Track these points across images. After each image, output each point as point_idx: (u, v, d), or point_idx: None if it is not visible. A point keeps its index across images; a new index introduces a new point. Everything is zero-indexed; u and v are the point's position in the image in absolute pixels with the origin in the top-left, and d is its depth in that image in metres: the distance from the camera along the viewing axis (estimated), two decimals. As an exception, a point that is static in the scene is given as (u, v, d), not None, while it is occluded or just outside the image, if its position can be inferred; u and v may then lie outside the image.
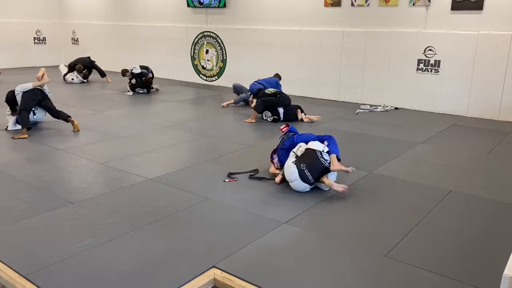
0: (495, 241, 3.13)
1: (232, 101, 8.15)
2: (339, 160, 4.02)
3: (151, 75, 9.45)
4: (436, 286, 2.59)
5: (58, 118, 6.21)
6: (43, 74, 6.04)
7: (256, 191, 4.01)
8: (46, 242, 3.05)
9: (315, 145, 4.09)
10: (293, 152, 4.09)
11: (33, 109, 6.09)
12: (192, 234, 3.18)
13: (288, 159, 4.08)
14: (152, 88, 9.50)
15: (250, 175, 4.35)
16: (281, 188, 4.04)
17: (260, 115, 6.92)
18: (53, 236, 3.15)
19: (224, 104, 8.03)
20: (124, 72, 9.43)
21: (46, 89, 6.19)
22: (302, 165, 3.90)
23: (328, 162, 3.92)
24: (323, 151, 3.99)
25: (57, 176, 4.38)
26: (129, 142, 5.62)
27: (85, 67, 10.80)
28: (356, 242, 3.10)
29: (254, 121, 6.82)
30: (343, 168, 3.95)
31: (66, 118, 6.14)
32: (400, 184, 4.25)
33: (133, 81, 9.19)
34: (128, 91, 9.26)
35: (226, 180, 4.24)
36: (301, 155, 4.01)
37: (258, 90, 7.30)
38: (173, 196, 3.88)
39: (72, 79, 10.63)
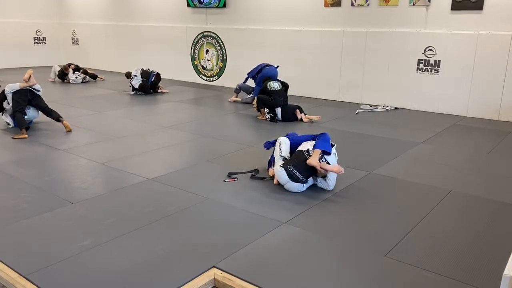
0: (495, 241, 3.13)
1: (237, 98, 8.49)
2: (328, 153, 3.98)
3: (148, 81, 9.23)
4: (436, 286, 2.59)
5: (49, 116, 6.21)
6: (30, 76, 6.04)
7: (256, 191, 4.01)
8: (46, 242, 3.06)
9: (304, 146, 4.13)
10: (280, 155, 4.13)
11: (25, 112, 6.10)
12: (192, 234, 3.18)
13: (275, 163, 4.13)
14: (158, 91, 9.41)
15: (252, 175, 4.36)
16: (281, 188, 4.03)
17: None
18: (53, 236, 3.15)
19: (231, 99, 8.53)
20: (128, 75, 9.36)
21: (36, 87, 6.16)
22: (289, 166, 3.93)
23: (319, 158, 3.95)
24: (308, 149, 4.03)
25: (57, 176, 4.38)
26: (129, 142, 5.62)
27: (75, 69, 10.85)
28: (356, 242, 3.10)
29: (264, 117, 6.89)
30: (319, 164, 3.88)
31: (57, 118, 6.12)
32: (400, 184, 4.25)
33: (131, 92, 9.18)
34: (131, 89, 9.24)
35: (226, 180, 4.24)
36: (290, 158, 4.08)
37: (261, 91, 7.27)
38: (173, 196, 3.88)
39: (76, 77, 10.64)
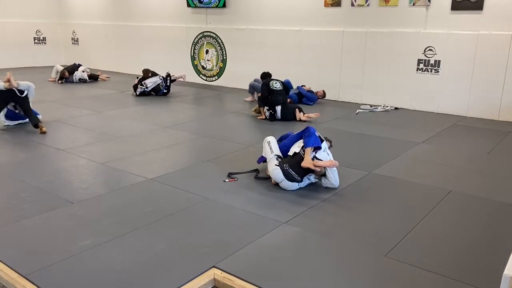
0: (495, 241, 3.13)
1: (251, 98, 8.40)
2: (319, 148, 3.99)
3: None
4: (436, 286, 2.59)
5: (28, 119, 6.19)
6: (8, 79, 5.96)
7: (256, 191, 4.01)
8: (46, 242, 3.06)
9: (295, 147, 4.14)
10: (273, 155, 4.16)
11: (15, 107, 6.19)
12: (192, 234, 3.18)
13: (270, 162, 4.14)
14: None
15: (255, 175, 4.36)
16: (280, 189, 4.03)
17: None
18: (53, 236, 3.15)
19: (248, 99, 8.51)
20: (146, 73, 9.12)
21: (23, 88, 6.12)
22: (285, 165, 3.96)
23: (312, 157, 3.95)
24: (302, 149, 4.04)
25: (57, 176, 4.38)
26: (129, 142, 5.62)
27: (71, 72, 10.78)
28: (356, 242, 3.10)
29: (264, 116, 6.93)
30: (313, 163, 3.89)
31: (35, 125, 6.03)
32: (400, 184, 4.25)
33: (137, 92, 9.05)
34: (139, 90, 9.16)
35: (226, 180, 4.24)
36: (285, 158, 4.13)
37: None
38: (173, 196, 3.88)
39: (82, 75, 10.63)
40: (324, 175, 4.01)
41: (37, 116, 6.35)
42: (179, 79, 9.39)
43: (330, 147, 4.29)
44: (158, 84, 9.01)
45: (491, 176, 4.50)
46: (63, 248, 2.95)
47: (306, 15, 8.77)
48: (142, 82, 9.01)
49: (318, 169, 3.93)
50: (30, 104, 6.23)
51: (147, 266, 2.75)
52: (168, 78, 9.11)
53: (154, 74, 9.19)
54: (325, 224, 3.39)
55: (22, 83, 6.18)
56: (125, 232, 3.18)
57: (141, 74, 9.26)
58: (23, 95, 6.16)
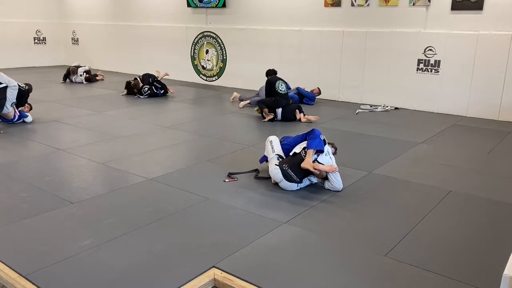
0: (495, 241, 3.13)
1: (248, 101, 8.15)
2: (321, 151, 3.98)
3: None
4: (436, 286, 2.59)
5: None
6: None
7: (256, 191, 4.01)
8: (46, 242, 3.06)
9: (298, 148, 4.14)
10: (274, 154, 4.16)
11: None
12: (192, 234, 3.18)
13: (271, 161, 4.14)
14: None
15: (255, 175, 4.36)
16: (280, 189, 4.03)
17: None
18: (53, 236, 3.15)
19: (239, 104, 8.09)
20: (136, 86, 9.00)
21: (2, 81, 6.10)
22: (284, 165, 3.96)
23: (313, 159, 3.95)
24: (302, 150, 4.03)
25: (57, 176, 4.38)
26: (129, 142, 5.62)
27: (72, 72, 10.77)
28: (356, 242, 3.10)
29: (269, 117, 6.81)
30: (312, 165, 3.88)
31: None
32: (400, 184, 4.25)
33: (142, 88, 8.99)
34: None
35: (226, 180, 4.24)
36: (286, 158, 4.11)
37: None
38: (173, 196, 3.88)
39: (80, 75, 10.64)
40: (326, 178, 4.01)
41: (25, 118, 6.39)
42: (164, 77, 9.37)
43: (334, 153, 4.28)
44: (153, 89, 8.94)
45: (491, 176, 4.50)
46: (63, 248, 2.95)
47: (306, 15, 8.77)
48: (141, 96, 8.90)
49: (317, 171, 3.93)
50: (9, 102, 6.24)
51: (147, 266, 2.75)
52: (155, 79, 9.04)
53: (147, 78, 9.04)
54: (325, 224, 3.39)
55: (4, 76, 6.16)
56: (125, 232, 3.18)
57: (139, 73, 9.26)
58: (0, 86, 6.13)
